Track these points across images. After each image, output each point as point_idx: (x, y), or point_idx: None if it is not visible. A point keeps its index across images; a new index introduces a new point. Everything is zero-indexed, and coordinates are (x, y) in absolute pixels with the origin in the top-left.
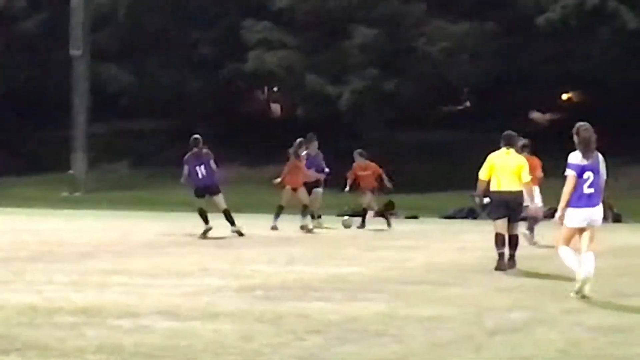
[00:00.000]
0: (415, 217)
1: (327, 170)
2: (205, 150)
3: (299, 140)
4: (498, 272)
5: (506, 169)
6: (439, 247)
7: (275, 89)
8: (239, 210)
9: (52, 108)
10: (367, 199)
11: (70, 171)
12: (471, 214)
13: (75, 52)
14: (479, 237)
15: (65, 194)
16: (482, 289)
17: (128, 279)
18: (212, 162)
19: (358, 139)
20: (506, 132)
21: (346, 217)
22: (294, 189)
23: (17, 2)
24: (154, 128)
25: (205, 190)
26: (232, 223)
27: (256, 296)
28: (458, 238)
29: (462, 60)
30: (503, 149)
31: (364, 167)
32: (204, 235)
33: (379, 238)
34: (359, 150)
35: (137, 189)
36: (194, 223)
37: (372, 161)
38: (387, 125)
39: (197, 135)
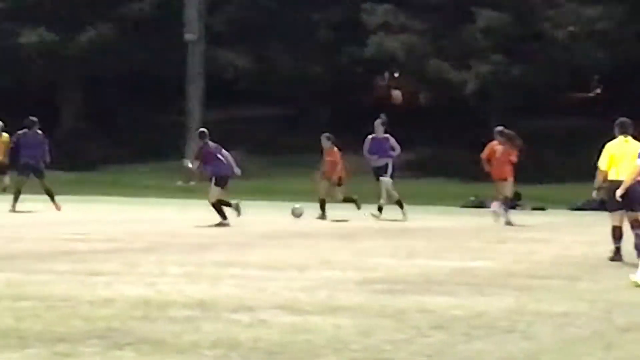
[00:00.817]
0: (542, 209)
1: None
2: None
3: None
4: (630, 267)
5: (625, 157)
6: (568, 240)
7: (396, 74)
8: (366, 199)
9: (165, 94)
10: (508, 187)
11: (185, 159)
12: (602, 206)
13: (190, 36)
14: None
15: (179, 182)
16: (614, 284)
17: (244, 272)
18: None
19: (483, 126)
20: (621, 120)
21: (297, 206)
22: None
23: None
24: (270, 115)
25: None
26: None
27: (377, 290)
28: (589, 231)
29: (591, 45)
30: (620, 137)
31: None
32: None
33: (504, 230)
34: (499, 129)
35: (254, 178)
36: (313, 213)
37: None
38: (514, 113)
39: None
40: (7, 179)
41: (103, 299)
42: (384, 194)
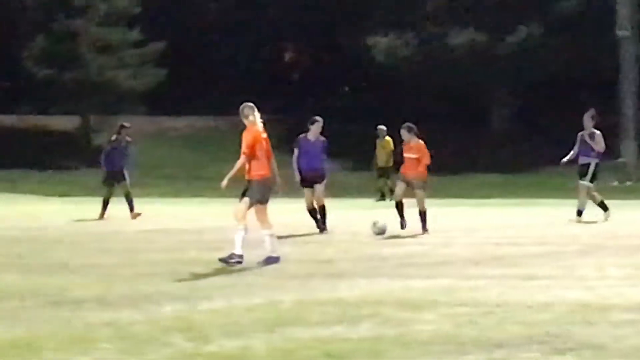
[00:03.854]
0: None
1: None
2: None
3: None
4: None
5: None
6: None
7: None
8: None
9: (595, 93)
10: None
11: (621, 159)
12: None
13: (622, 33)
14: None
15: (615, 183)
16: None
17: None
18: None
19: None
20: None
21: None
22: None
23: None
24: None
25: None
26: None
27: None
28: None
29: None
30: None
31: None
32: None
33: None
34: None
35: None
36: None
37: None
38: None
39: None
40: (388, 183)
41: (540, 303)
42: (582, 197)
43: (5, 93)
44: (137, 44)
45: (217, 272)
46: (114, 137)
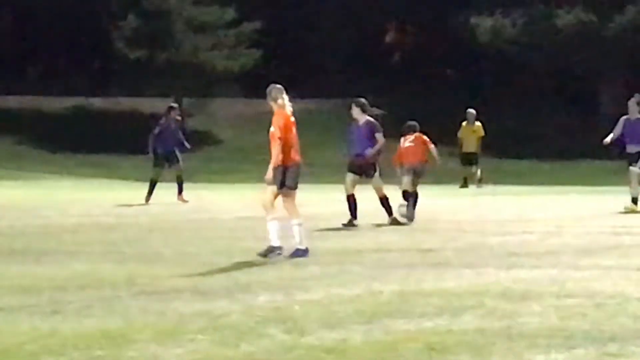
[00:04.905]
0: None
1: None
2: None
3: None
4: None
5: None
6: None
7: None
8: None
9: None
10: None
11: None
12: None
13: None
14: None
15: None
16: None
17: None
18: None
19: None
20: None
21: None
22: None
23: None
24: None
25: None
26: None
27: None
28: None
29: None
30: None
31: None
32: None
33: None
34: None
35: None
36: None
37: None
38: None
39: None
40: (476, 170)
41: None
42: (634, 184)
43: (96, 75)
44: (232, 24)
45: (315, 262)
46: (162, 120)
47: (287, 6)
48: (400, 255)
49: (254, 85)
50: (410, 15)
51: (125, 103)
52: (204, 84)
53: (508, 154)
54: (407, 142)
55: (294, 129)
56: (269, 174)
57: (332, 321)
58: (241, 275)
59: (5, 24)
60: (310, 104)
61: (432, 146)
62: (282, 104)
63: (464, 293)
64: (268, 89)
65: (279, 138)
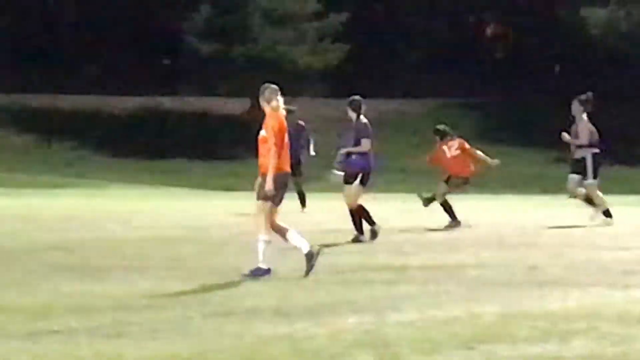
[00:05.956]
0: None
1: None
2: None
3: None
4: None
5: None
6: None
7: None
8: None
9: None
10: None
11: None
12: None
13: None
14: None
15: None
16: None
17: None
18: None
19: None
20: None
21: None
22: None
23: None
24: None
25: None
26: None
27: None
28: None
29: None
30: None
31: None
32: None
33: None
34: None
35: None
36: None
37: None
38: None
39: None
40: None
41: None
42: None
43: (165, 72)
44: (316, 16)
45: (408, 280)
46: None
47: None
48: (501, 272)
49: (340, 84)
50: (512, 6)
51: (196, 103)
52: (283, 82)
53: (619, 159)
54: (452, 150)
55: (286, 134)
56: (269, 184)
57: (427, 346)
58: (325, 295)
59: (67, 16)
60: (401, 104)
61: (478, 152)
62: (276, 106)
63: (573, 315)
64: (262, 88)
65: (275, 144)
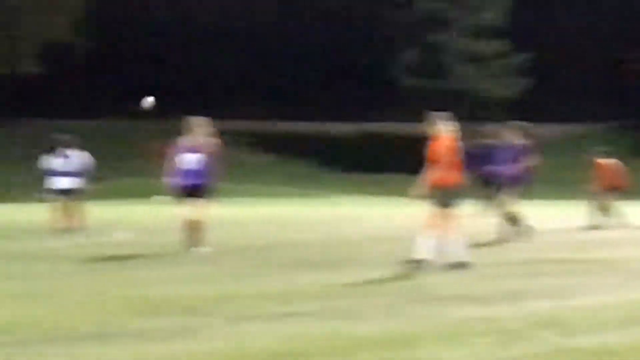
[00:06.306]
0: None
1: None
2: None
3: None
4: None
5: None
6: None
7: None
8: None
9: None
10: None
11: None
12: None
13: None
14: None
15: None
16: None
17: None
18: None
19: None
20: None
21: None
22: None
23: None
24: None
25: None
26: None
27: None
28: None
29: None
30: None
31: None
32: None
33: None
34: None
35: None
36: None
37: None
38: None
39: None
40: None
41: None
42: None
43: (371, 101)
44: (502, 55)
45: (579, 272)
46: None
47: (559, 36)
48: None
49: (520, 110)
50: None
51: (401, 127)
52: (472, 110)
53: None
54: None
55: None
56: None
57: (595, 325)
58: (514, 283)
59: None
60: (575, 127)
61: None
62: (442, 130)
63: None
64: (430, 116)
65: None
